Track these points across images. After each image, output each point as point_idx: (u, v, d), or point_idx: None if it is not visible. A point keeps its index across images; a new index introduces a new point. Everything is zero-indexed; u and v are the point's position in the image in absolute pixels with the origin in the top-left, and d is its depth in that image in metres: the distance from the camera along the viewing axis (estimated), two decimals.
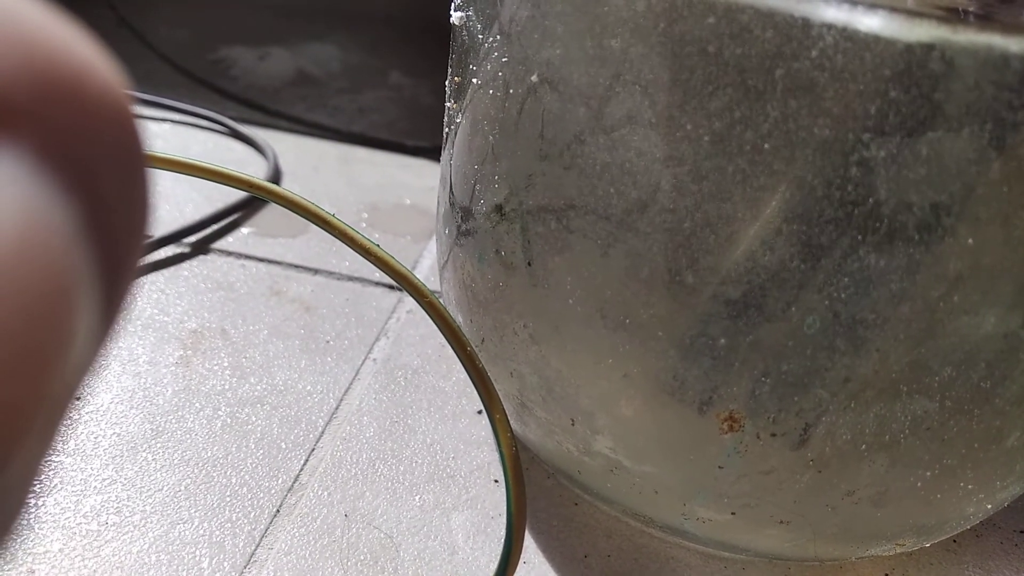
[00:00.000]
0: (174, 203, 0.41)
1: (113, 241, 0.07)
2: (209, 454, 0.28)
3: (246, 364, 0.32)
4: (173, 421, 0.29)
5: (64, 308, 0.06)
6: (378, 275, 0.38)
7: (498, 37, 0.22)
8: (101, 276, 0.07)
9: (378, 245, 0.21)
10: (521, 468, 0.21)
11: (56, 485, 0.26)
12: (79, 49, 0.06)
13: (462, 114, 0.24)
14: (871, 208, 0.17)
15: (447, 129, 0.27)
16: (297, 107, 0.53)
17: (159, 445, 0.28)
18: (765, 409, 0.20)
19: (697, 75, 0.18)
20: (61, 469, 0.27)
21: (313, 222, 0.22)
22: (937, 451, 0.20)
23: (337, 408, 0.31)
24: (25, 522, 0.06)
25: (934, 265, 0.18)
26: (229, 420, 0.30)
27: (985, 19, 0.17)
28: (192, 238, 0.39)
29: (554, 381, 0.23)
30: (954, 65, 0.16)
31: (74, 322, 0.06)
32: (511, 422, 0.22)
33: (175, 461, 0.28)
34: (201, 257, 0.38)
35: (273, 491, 0.27)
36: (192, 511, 0.26)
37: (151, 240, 0.37)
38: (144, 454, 0.28)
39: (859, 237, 0.18)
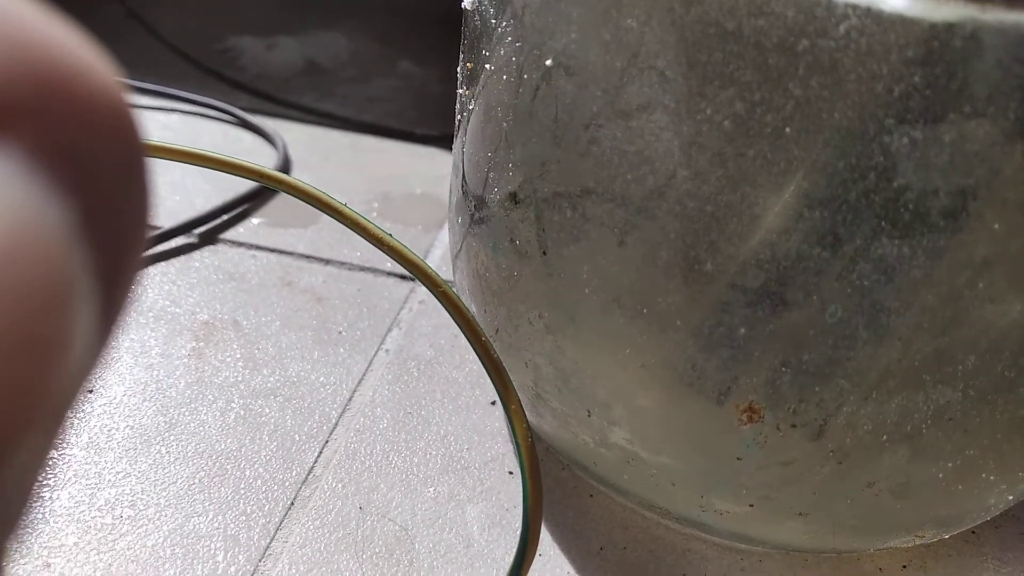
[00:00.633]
0: (184, 194, 0.41)
1: (112, 238, 0.07)
2: (223, 446, 0.28)
3: (259, 355, 0.32)
4: (186, 413, 0.29)
5: (61, 306, 0.06)
6: (390, 265, 0.37)
7: (511, 21, 0.21)
8: (100, 274, 0.07)
9: (391, 235, 0.21)
10: (537, 459, 0.21)
11: (70, 478, 0.26)
12: (74, 47, 0.06)
13: (475, 101, 0.24)
14: (894, 193, 0.17)
15: (459, 116, 0.26)
16: (306, 96, 0.53)
17: (173, 438, 0.28)
18: (785, 400, 0.20)
19: (716, 57, 0.17)
20: (75, 462, 0.27)
21: (326, 212, 0.22)
22: (960, 442, 0.20)
23: (350, 399, 0.30)
24: (30, 519, 0.06)
25: (959, 251, 0.17)
26: (242, 412, 0.29)
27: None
28: (202, 229, 0.39)
29: (570, 372, 0.23)
30: (982, 45, 0.15)
31: (73, 320, 0.06)
32: (525, 413, 0.22)
33: (189, 454, 0.28)
34: (212, 248, 0.38)
35: (287, 483, 0.27)
36: (206, 504, 0.26)
37: (161, 231, 0.37)
38: (158, 447, 0.28)
39: (882, 223, 0.17)
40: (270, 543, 0.25)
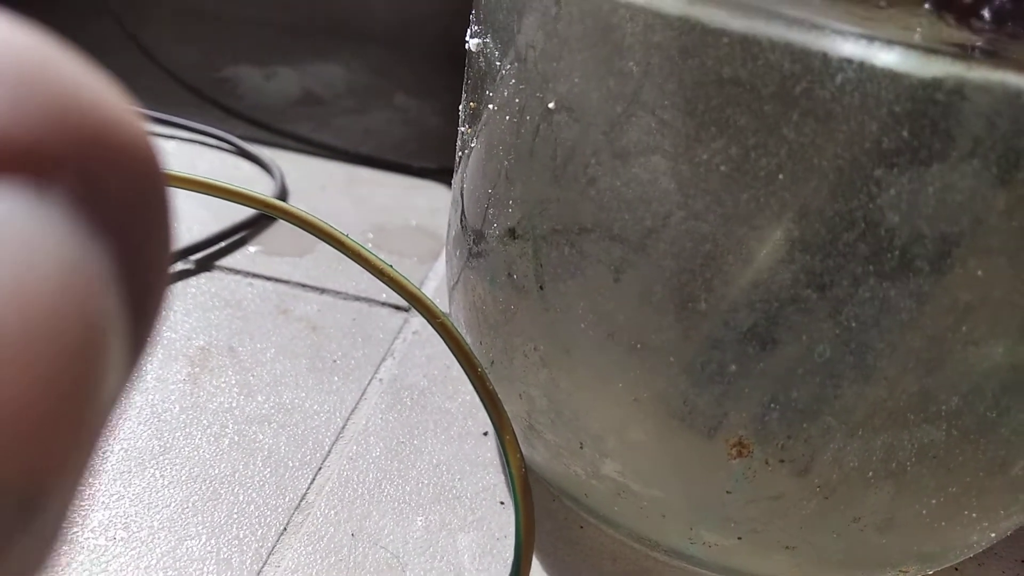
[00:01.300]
0: (182, 220, 0.41)
1: (141, 281, 0.07)
2: (216, 471, 0.28)
3: (253, 382, 0.32)
4: (181, 438, 0.29)
5: (98, 353, 0.06)
6: (384, 295, 0.38)
7: (515, 64, 0.22)
8: (130, 313, 0.07)
9: (391, 266, 0.22)
10: (530, 490, 0.21)
11: None
12: (107, 96, 0.07)
13: (476, 138, 0.25)
14: (882, 238, 0.18)
15: (460, 153, 0.27)
16: (303, 127, 0.53)
17: (167, 461, 0.29)
18: (774, 435, 0.20)
19: (712, 104, 0.18)
20: None
21: (327, 242, 0.22)
22: (943, 479, 0.20)
23: (344, 427, 0.31)
24: (59, 553, 0.07)
25: (943, 296, 0.18)
26: (236, 438, 0.30)
27: (995, 56, 0.18)
28: (199, 255, 0.39)
29: (563, 404, 0.24)
30: (968, 100, 0.16)
31: (106, 364, 0.06)
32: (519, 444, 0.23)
33: (183, 477, 0.28)
34: (208, 274, 0.38)
35: (280, 509, 0.27)
36: (199, 527, 0.26)
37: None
38: (152, 470, 0.28)
39: (870, 267, 0.18)
40: (262, 568, 0.25)
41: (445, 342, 0.22)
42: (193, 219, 0.41)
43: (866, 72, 0.17)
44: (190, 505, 0.27)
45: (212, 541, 0.26)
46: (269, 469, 0.29)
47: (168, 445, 0.29)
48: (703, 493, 0.22)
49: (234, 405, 0.31)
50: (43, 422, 0.06)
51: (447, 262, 0.29)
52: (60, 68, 0.06)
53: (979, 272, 0.18)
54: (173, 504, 0.27)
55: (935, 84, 0.16)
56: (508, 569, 0.26)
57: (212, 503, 0.27)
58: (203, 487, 0.28)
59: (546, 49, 0.21)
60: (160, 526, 0.26)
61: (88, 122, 0.06)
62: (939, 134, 0.17)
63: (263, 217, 0.42)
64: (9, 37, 0.06)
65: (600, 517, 0.26)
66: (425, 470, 0.29)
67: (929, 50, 0.17)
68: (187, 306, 0.36)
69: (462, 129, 0.26)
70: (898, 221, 0.18)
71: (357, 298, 0.38)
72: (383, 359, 0.34)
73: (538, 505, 0.29)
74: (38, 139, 0.06)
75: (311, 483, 0.28)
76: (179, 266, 0.38)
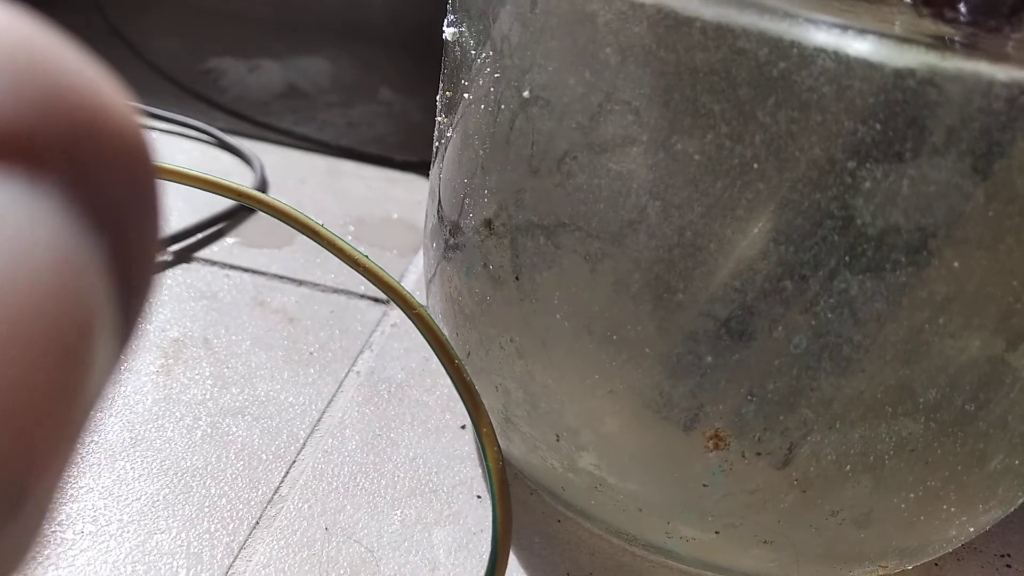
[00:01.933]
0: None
1: (130, 273, 0.07)
2: (188, 464, 0.28)
3: (228, 374, 0.32)
4: (152, 430, 0.29)
5: (87, 348, 0.06)
6: (363, 288, 0.38)
7: (491, 53, 0.22)
8: (118, 308, 0.07)
9: (367, 256, 0.21)
10: (507, 483, 0.21)
11: None
12: (100, 86, 0.07)
13: (453, 129, 0.25)
14: (858, 230, 0.18)
15: (437, 143, 0.27)
16: (286, 120, 0.53)
17: (137, 454, 0.28)
18: (751, 428, 0.20)
19: (687, 94, 0.18)
20: None
21: (303, 232, 0.22)
22: (921, 473, 0.20)
23: (319, 420, 0.30)
24: (42, 544, 0.07)
25: (920, 288, 0.18)
26: (209, 430, 0.29)
27: (972, 48, 0.18)
28: (176, 247, 0.39)
29: (540, 396, 0.23)
30: (942, 91, 0.16)
31: (94, 358, 0.06)
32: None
33: (153, 470, 0.28)
34: (185, 266, 0.38)
35: (253, 503, 0.27)
36: (170, 521, 0.26)
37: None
38: (122, 463, 0.28)
39: (846, 259, 0.18)
40: (233, 562, 0.25)
41: (422, 333, 0.21)
42: (171, 210, 0.41)
43: (840, 61, 0.16)
44: (160, 498, 0.27)
45: (183, 535, 0.26)
46: (242, 462, 0.28)
47: (139, 437, 0.29)
48: (680, 486, 0.22)
49: (207, 397, 0.31)
50: (31, 418, 0.06)
51: (424, 254, 0.29)
52: (52, 55, 0.06)
53: (955, 264, 0.18)
54: (143, 497, 0.27)
55: (909, 73, 0.16)
56: (484, 564, 0.26)
57: (183, 496, 0.27)
58: (174, 480, 0.27)
59: (521, 38, 0.20)
60: (129, 520, 0.26)
61: (80, 111, 0.06)
62: (913, 124, 0.17)
63: (241, 209, 0.42)
64: (1, 23, 0.06)
65: (577, 511, 0.26)
66: (401, 463, 0.29)
67: (903, 39, 0.16)
68: (162, 297, 0.35)
69: (439, 119, 0.26)
70: (874, 212, 0.17)
71: (335, 290, 0.37)
72: (361, 351, 0.34)
73: (515, 499, 0.28)
74: (30, 128, 0.06)
75: (285, 476, 0.28)
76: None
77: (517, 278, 0.23)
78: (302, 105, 0.56)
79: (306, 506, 0.27)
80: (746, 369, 0.20)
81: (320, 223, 0.22)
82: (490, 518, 0.27)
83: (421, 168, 0.49)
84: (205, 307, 0.35)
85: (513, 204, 0.22)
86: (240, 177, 0.45)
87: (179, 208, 0.41)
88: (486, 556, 0.26)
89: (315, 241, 0.22)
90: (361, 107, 0.56)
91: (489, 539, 0.26)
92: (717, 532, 0.22)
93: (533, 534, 0.27)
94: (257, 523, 0.26)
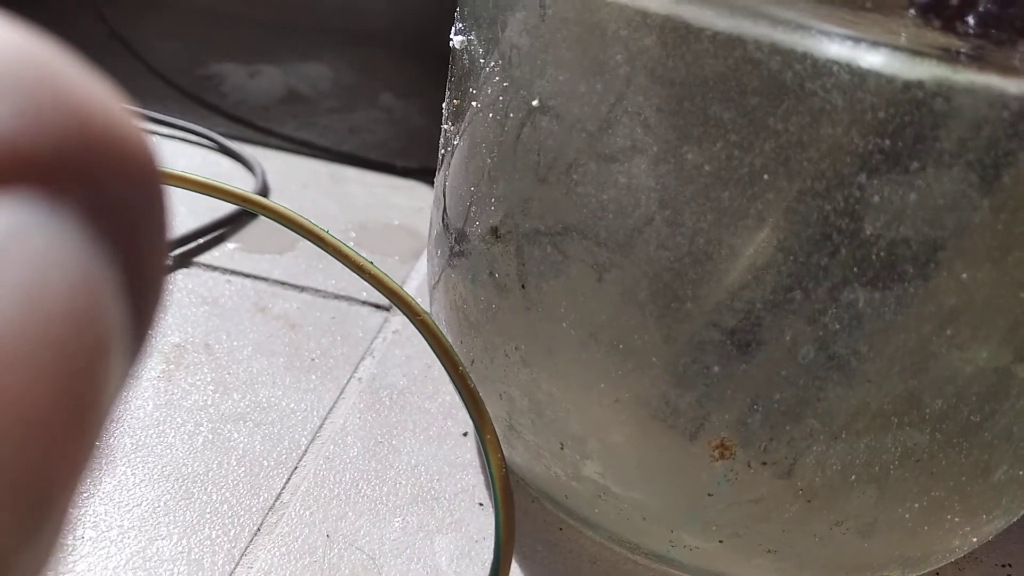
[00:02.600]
0: None
1: (142, 289, 0.07)
2: (189, 470, 0.28)
3: (229, 380, 0.32)
4: (154, 435, 0.29)
5: (105, 364, 0.06)
6: (365, 294, 0.37)
7: (499, 61, 0.22)
8: (131, 324, 0.07)
9: (371, 263, 0.21)
10: (511, 490, 0.21)
11: None
12: (109, 103, 0.07)
13: (460, 136, 0.25)
14: (866, 241, 0.18)
15: (443, 151, 0.27)
16: (287, 125, 0.53)
17: (138, 459, 0.28)
18: (756, 438, 0.20)
19: (697, 105, 0.18)
20: None
21: (307, 238, 0.22)
22: (926, 483, 0.20)
23: (321, 427, 0.30)
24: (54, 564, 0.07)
25: (928, 299, 0.18)
26: (211, 436, 0.29)
27: (980, 60, 0.18)
28: (177, 251, 0.39)
29: (544, 405, 0.23)
30: (953, 103, 0.16)
31: (111, 374, 0.06)
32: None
33: (155, 476, 0.27)
34: (186, 271, 0.38)
35: (254, 509, 0.27)
36: (171, 527, 0.26)
37: None
38: (123, 468, 0.28)
39: (854, 269, 0.18)
40: (235, 569, 0.25)
41: (426, 339, 0.21)
42: (172, 214, 0.41)
43: (852, 73, 0.16)
44: (161, 504, 0.27)
45: (183, 541, 0.25)
46: (244, 468, 0.28)
47: (140, 442, 0.29)
48: (684, 496, 0.22)
49: (209, 403, 0.31)
50: (53, 438, 0.06)
51: (428, 261, 0.29)
52: (63, 75, 0.06)
53: (964, 275, 0.18)
54: (144, 503, 0.26)
55: (921, 86, 0.16)
56: (487, 572, 0.26)
57: (184, 502, 0.27)
58: (175, 486, 0.27)
59: (531, 47, 0.20)
60: (130, 525, 0.26)
61: (94, 131, 0.06)
62: (924, 136, 0.17)
63: (243, 214, 0.42)
64: (10, 42, 0.06)
65: (580, 519, 0.26)
66: (403, 471, 0.29)
67: (915, 52, 0.17)
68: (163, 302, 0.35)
69: (445, 127, 0.26)
70: (882, 223, 0.17)
71: (337, 296, 0.37)
72: (362, 358, 0.34)
73: (517, 506, 0.28)
74: (49, 151, 0.06)
75: (286, 483, 0.28)
76: None
77: (523, 286, 0.23)
78: (303, 110, 0.56)
79: (307, 513, 0.27)
80: (753, 379, 0.20)
81: (326, 229, 0.22)
82: (492, 526, 0.27)
83: (422, 174, 0.49)
84: (206, 312, 0.35)
85: (520, 212, 0.22)
86: (242, 182, 0.45)
87: (180, 213, 0.41)
88: (488, 564, 0.26)
89: (321, 248, 0.22)
90: (362, 112, 0.57)
91: (491, 547, 0.26)
92: (721, 541, 0.22)
93: (535, 542, 0.27)
94: (258, 530, 0.26)
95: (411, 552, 0.26)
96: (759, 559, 0.23)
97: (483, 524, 0.27)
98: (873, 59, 0.16)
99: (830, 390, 0.19)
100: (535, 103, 0.21)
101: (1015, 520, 0.23)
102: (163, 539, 0.25)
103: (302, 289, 0.38)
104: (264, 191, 0.45)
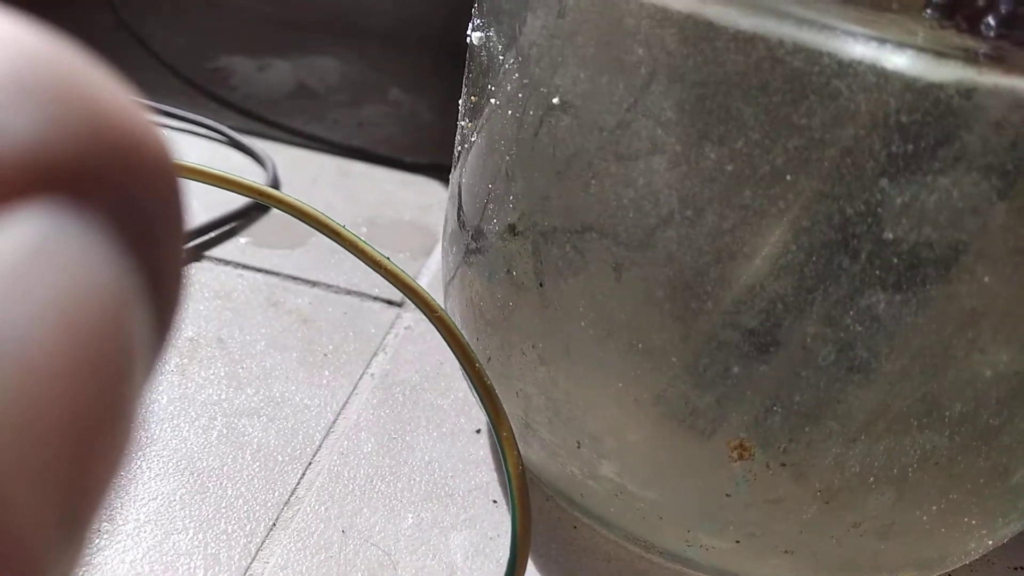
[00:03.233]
0: None
1: (164, 292, 0.07)
2: (205, 464, 0.28)
3: (243, 374, 0.32)
4: (168, 429, 0.29)
5: (132, 373, 0.06)
6: (377, 290, 0.38)
7: (518, 59, 0.22)
8: (154, 329, 0.07)
9: (388, 258, 0.22)
10: (527, 487, 0.21)
11: None
12: (131, 107, 0.07)
13: (477, 133, 0.25)
14: (889, 243, 0.18)
15: (459, 148, 0.27)
16: (296, 119, 0.53)
17: (154, 453, 0.28)
18: (776, 439, 0.20)
19: (719, 104, 0.18)
20: None
21: (325, 233, 0.22)
22: (944, 486, 0.20)
23: (335, 422, 0.30)
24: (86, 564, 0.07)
25: (949, 302, 0.18)
26: (225, 430, 0.29)
27: (1001, 61, 0.18)
28: (189, 245, 0.39)
29: (561, 403, 0.23)
30: (978, 105, 0.16)
31: (138, 380, 0.07)
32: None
33: (170, 470, 0.28)
34: (198, 265, 0.38)
35: (269, 504, 0.27)
36: (187, 521, 0.26)
37: None
38: (139, 462, 0.28)
39: (875, 271, 0.18)
40: (251, 563, 0.25)
41: (443, 336, 0.21)
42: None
43: (877, 74, 0.16)
44: (177, 498, 0.27)
45: (199, 536, 0.26)
46: (258, 463, 0.28)
47: (155, 437, 0.29)
48: (702, 496, 0.22)
49: (223, 397, 0.31)
50: (88, 439, 0.06)
51: (443, 258, 0.29)
52: (83, 79, 0.06)
53: (986, 279, 0.18)
54: (160, 497, 0.27)
55: (946, 88, 0.16)
56: (501, 568, 0.26)
57: (200, 497, 0.27)
58: (191, 480, 0.27)
59: (550, 44, 0.20)
60: (146, 519, 0.26)
61: (115, 137, 0.06)
62: (948, 138, 0.17)
63: (254, 208, 0.42)
64: (29, 47, 0.06)
65: (595, 518, 0.26)
66: (417, 467, 0.29)
67: (940, 54, 0.17)
68: None
69: (462, 123, 0.26)
70: (905, 225, 0.17)
71: (349, 292, 0.37)
72: (375, 354, 0.34)
73: (532, 504, 0.28)
74: (71, 158, 0.06)
75: (301, 478, 0.28)
76: None
77: (541, 284, 0.23)
78: (312, 104, 0.55)
79: (323, 508, 0.27)
80: (772, 380, 0.20)
81: (342, 225, 0.22)
82: (506, 523, 0.27)
83: (432, 170, 0.49)
84: (219, 307, 0.35)
85: (538, 210, 0.22)
86: (252, 176, 0.45)
87: (191, 207, 0.41)
88: (503, 561, 0.26)
89: (337, 243, 0.22)
90: (371, 107, 0.56)
91: (505, 544, 0.26)
92: (738, 541, 0.23)
93: (549, 540, 0.27)
94: (274, 524, 0.26)
95: (426, 548, 0.26)
96: (775, 559, 0.23)
97: (497, 521, 0.27)
98: (898, 60, 0.16)
99: (850, 392, 0.19)
100: (556, 101, 0.21)
101: None
102: (179, 533, 0.25)
103: (314, 284, 0.38)
104: (275, 185, 0.45)
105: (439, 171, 0.49)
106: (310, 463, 0.29)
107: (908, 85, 0.16)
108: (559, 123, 0.21)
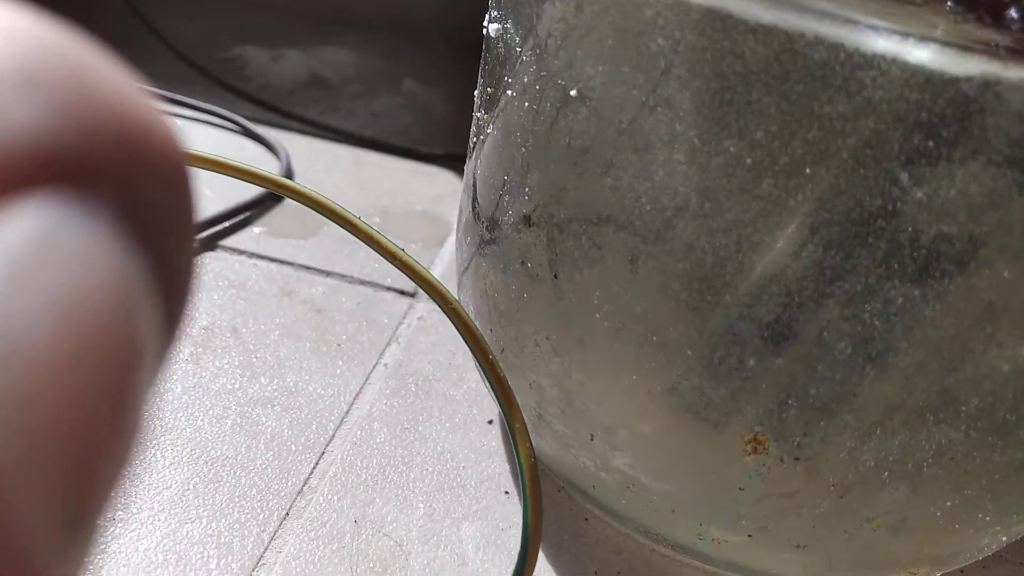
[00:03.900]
0: None
1: (173, 287, 0.07)
2: (218, 453, 0.28)
3: (257, 364, 0.32)
4: (183, 418, 0.29)
5: (140, 369, 0.06)
6: (389, 280, 0.38)
7: (535, 50, 0.22)
8: (163, 323, 0.07)
9: (403, 249, 0.22)
10: (539, 479, 0.21)
11: None
12: (139, 99, 0.07)
13: (492, 124, 0.24)
14: (908, 236, 0.17)
15: (474, 139, 0.27)
16: (310, 109, 0.53)
17: (168, 442, 0.28)
18: (790, 432, 0.20)
19: (738, 96, 0.18)
20: None
21: (340, 224, 0.22)
22: (959, 481, 0.20)
23: (348, 412, 0.30)
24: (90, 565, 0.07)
25: (967, 296, 0.18)
26: (239, 420, 0.29)
27: (1021, 54, 0.18)
28: (203, 234, 0.39)
29: (575, 395, 0.23)
30: (1002, 99, 0.16)
31: (145, 375, 0.06)
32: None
33: (184, 459, 0.28)
34: (212, 254, 0.38)
35: (283, 493, 0.27)
36: (200, 510, 0.26)
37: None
38: (152, 450, 0.28)
39: (894, 265, 0.18)
40: (264, 553, 0.25)
41: (456, 328, 0.21)
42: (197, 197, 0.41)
43: (900, 67, 0.16)
44: (191, 487, 0.27)
45: (213, 524, 0.26)
46: (272, 452, 0.28)
47: (169, 425, 0.29)
48: (715, 489, 0.22)
49: (237, 387, 0.31)
50: (94, 434, 0.06)
51: (457, 248, 0.29)
52: (91, 70, 0.06)
53: (1005, 273, 0.18)
54: (174, 486, 0.27)
55: (970, 81, 0.16)
56: (512, 559, 0.26)
57: (213, 486, 0.27)
58: (204, 469, 0.27)
59: (568, 36, 0.20)
60: (160, 508, 0.26)
61: (126, 129, 0.06)
62: (971, 132, 0.16)
63: (268, 198, 0.42)
64: (37, 38, 0.06)
65: (607, 510, 0.26)
66: (429, 457, 0.29)
67: (963, 47, 0.16)
68: None
69: (478, 115, 0.26)
70: (924, 219, 0.17)
71: (362, 282, 0.37)
72: (388, 344, 0.34)
73: (543, 495, 0.28)
74: (79, 149, 0.06)
75: (314, 468, 0.28)
76: None
77: (556, 276, 0.22)
78: (326, 95, 0.56)
79: (335, 498, 0.27)
80: (788, 373, 0.20)
81: (358, 215, 0.22)
82: (518, 514, 0.27)
83: (445, 161, 0.49)
84: (233, 296, 0.35)
85: (554, 201, 0.22)
86: (266, 166, 0.45)
87: (205, 196, 0.41)
88: (514, 552, 0.26)
89: (352, 233, 0.22)
90: (385, 98, 0.56)
91: (517, 535, 0.27)
92: (750, 535, 0.22)
93: (561, 531, 0.27)
94: (287, 514, 0.26)
95: (438, 539, 0.26)
96: (787, 553, 0.23)
97: (509, 512, 0.27)
98: (921, 54, 0.16)
99: (866, 386, 0.19)
100: (574, 92, 0.21)
101: None
102: (193, 522, 0.26)
103: (328, 274, 0.38)
104: (289, 175, 0.45)
105: (452, 161, 0.49)
106: (323, 453, 0.29)
107: (929, 78, 0.16)
108: (576, 114, 0.21)
